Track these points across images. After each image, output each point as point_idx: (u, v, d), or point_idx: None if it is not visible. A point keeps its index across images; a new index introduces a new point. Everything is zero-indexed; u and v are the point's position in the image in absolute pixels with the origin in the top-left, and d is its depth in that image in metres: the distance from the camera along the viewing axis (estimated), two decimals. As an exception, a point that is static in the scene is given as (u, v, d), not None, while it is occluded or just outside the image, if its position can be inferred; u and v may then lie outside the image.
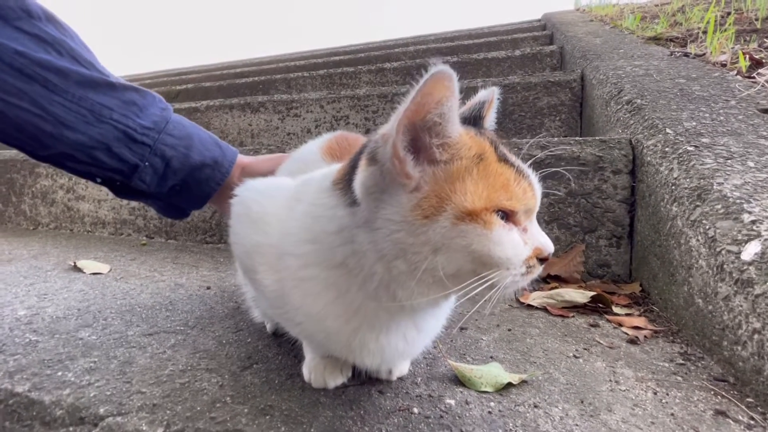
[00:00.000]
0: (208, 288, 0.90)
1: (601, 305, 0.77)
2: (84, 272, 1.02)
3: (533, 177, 0.40)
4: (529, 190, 0.39)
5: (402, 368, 0.52)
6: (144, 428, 0.43)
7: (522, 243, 0.38)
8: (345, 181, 0.40)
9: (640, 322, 0.69)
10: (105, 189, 1.62)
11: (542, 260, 0.39)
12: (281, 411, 0.45)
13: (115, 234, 1.49)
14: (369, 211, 0.37)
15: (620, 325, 0.70)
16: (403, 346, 0.44)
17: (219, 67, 3.70)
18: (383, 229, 0.36)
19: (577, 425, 0.43)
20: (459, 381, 0.52)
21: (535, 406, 0.46)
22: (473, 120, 0.44)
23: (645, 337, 0.65)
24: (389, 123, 0.36)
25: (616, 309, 0.76)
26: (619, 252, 0.93)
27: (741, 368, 0.51)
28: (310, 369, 0.51)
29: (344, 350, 0.44)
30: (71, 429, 0.44)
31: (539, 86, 1.63)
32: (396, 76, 2.31)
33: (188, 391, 0.49)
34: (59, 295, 0.85)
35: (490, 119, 0.46)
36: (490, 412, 0.45)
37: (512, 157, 0.40)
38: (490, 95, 0.45)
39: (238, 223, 0.49)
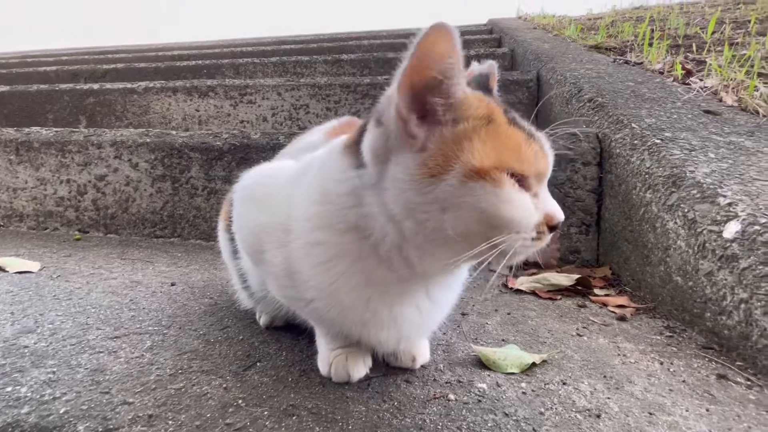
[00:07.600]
0: (173, 284, 0.79)
1: (580, 287, 0.81)
2: (6, 271, 0.85)
3: (546, 142, 0.40)
4: (541, 155, 0.39)
5: (424, 354, 0.50)
6: (146, 443, 0.35)
7: (533, 206, 0.38)
8: (355, 144, 0.40)
9: (622, 301, 0.74)
10: (22, 176, 1.37)
11: (552, 228, 0.39)
12: (308, 410, 0.40)
13: (37, 228, 1.27)
14: (377, 173, 0.38)
15: (605, 305, 0.74)
16: (417, 317, 0.43)
17: (152, 49, 3.36)
18: (391, 190, 0.37)
19: (609, 398, 0.44)
20: (481, 364, 0.50)
21: (564, 383, 0.47)
22: (481, 89, 0.43)
23: (630, 314, 0.69)
24: (392, 83, 0.36)
25: (596, 290, 0.80)
26: (588, 239, 0.99)
27: (726, 336, 0.56)
28: (328, 362, 0.46)
29: (358, 325, 0.43)
30: (43, 454, 0.36)
31: (498, 84, 1.69)
32: (353, 68, 2.26)
33: (188, 396, 0.42)
34: (-20, 298, 0.69)
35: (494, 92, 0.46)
36: (524, 393, 0.45)
37: (523, 122, 0.40)
38: (490, 69, 0.46)
39: (242, 207, 0.47)
